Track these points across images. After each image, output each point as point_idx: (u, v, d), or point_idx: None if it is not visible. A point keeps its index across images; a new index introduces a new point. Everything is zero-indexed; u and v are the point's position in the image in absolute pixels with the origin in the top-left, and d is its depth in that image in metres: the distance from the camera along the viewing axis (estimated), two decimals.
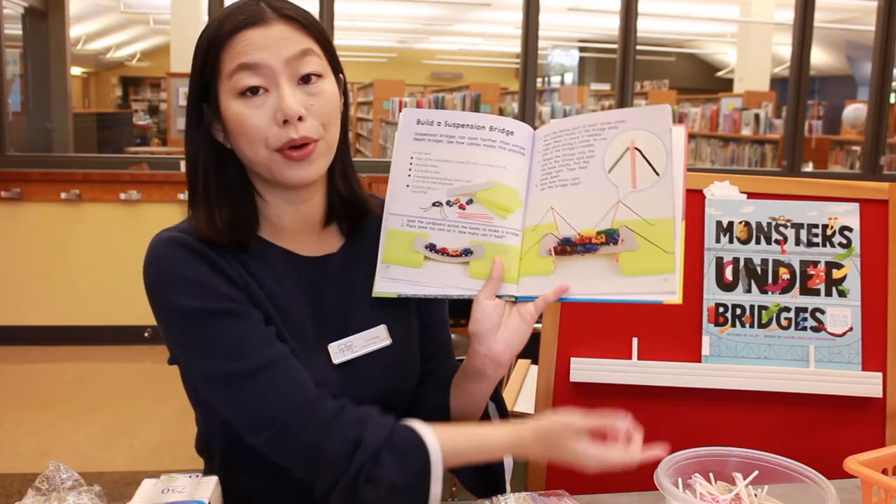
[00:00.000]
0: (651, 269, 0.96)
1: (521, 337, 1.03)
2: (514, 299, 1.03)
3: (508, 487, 1.15)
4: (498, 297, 1.03)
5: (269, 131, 0.96)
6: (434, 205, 1.05)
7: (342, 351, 1.05)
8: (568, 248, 1.00)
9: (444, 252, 1.05)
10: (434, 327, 1.18)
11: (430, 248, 1.05)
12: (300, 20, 1.00)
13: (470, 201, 1.04)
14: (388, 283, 1.07)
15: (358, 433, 0.93)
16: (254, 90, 0.96)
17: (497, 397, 1.16)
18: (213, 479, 0.89)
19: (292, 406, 0.94)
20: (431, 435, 0.95)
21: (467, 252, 1.04)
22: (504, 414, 1.17)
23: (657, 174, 0.97)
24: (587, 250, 0.99)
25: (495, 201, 1.04)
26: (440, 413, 1.11)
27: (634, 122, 0.99)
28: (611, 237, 0.98)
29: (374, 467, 0.91)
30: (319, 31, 1.02)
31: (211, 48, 0.98)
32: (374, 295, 1.07)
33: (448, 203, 1.05)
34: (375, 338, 1.07)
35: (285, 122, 0.96)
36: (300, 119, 0.96)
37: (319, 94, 0.99)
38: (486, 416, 1.15)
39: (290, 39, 0.98)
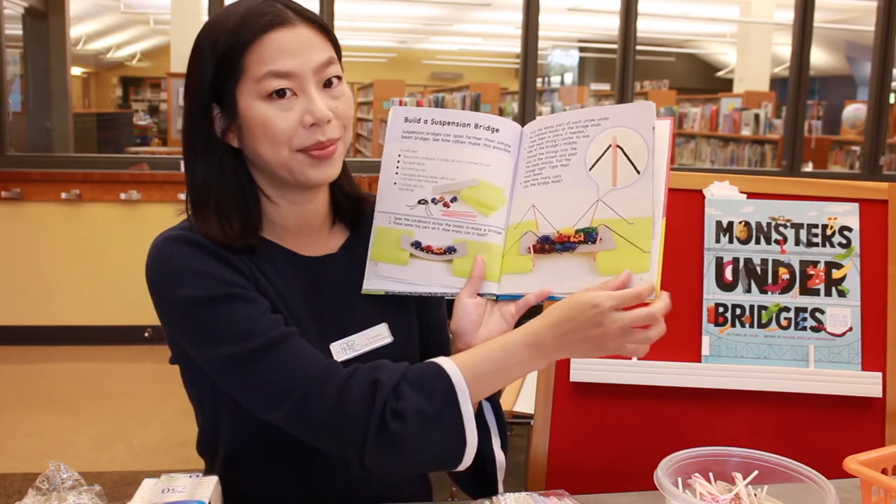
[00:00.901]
0: (627, 269, 0.95)
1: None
2: (495, 298, 1.04)
3: (501, 487, 1.15)
4: (480, 295, 1.03)
5: (295, 133, 0.97)
6: (420, 202, 1.06)
7: (344, 350, 1.05)
8: (547, 246, 1.00)
9: (428, 250, 1.05)
10: (432, 326, 1.18)
11: (415, 245, 1.06)
12: (321, 24, 1.01)
13: (454, 199, 1.05)
14: (376, 280, 1.08)
15: (373, 378, 0.93)
16: (281, 93, 0.97)
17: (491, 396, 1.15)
18: (213, 479, 0.89)
19: (308, 375, 0.94)
20: (446, 359, 0.96)
21: (451, 250, 1.05)
22: (498, 411, 1.17)
23: (638, 172, 0.96)
24: (565, 249, 0.99)
25: (479, 199, 1.04)
26: None
27: (618, 119, 0.99)
28: (589, 236, 0.98)
29: (397, 402, 0.91)
30: (334, 35, 1.04)
31: (232, 50, 0.96)
32: (363, 292, 1.08)
33: (433, 201, 1.05)
34: (377, 336, 1.08)
35: (313, 125, 0.97)
36: (328, 122, 0.98)
37: (341, 98, 1.01)
38: (480, 417, 1.15)
39: (317, 46, 0.99)
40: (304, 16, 0.99)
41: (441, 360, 0.96)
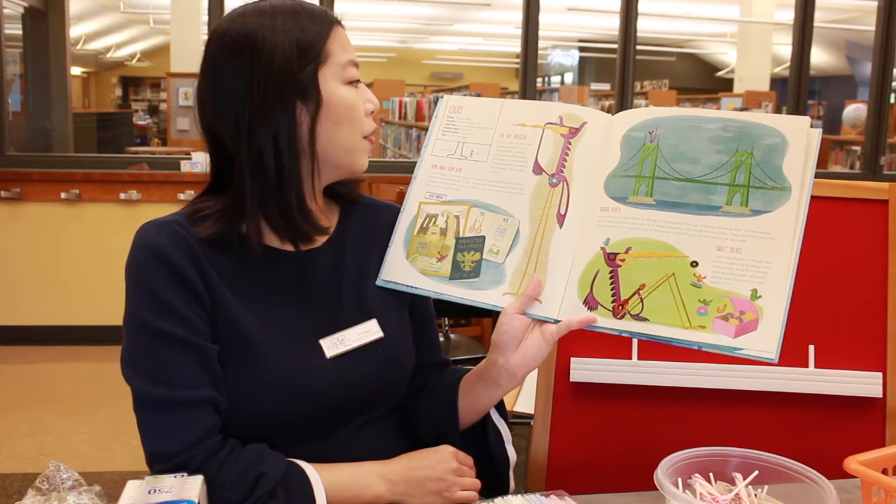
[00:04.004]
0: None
1: (540, 355, 1.02)
2: (552, 321, 1.01)
3: (513, 485, 1.15)
4: (531, 315, 1.02)
5: (362, 119, 1.05)
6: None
7: (335, 345, 1.04)
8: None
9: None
10: (421, 319, 1.17)
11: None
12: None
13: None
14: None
15: (258, 469, 0.95)
16: (357, 81, 1.04)
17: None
18: (199, 478, 0.88)
19: (195, 446, 0.94)
20: (318, 480, 0.97)
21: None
22: (503, 413, 1.17)
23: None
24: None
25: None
26: (448, 421, 1.11)
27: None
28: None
29: (269, 500, 0.93)
30: None
31: (319, 36, 1.00)
32: (377, 283, 1.10)
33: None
34: (367, 331, 1.07)
35: (372, 111, 1.06)
36: None
37: None
38: (490, 424, 1.15)
39: None
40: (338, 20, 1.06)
41: (314, 481, 0.97)
